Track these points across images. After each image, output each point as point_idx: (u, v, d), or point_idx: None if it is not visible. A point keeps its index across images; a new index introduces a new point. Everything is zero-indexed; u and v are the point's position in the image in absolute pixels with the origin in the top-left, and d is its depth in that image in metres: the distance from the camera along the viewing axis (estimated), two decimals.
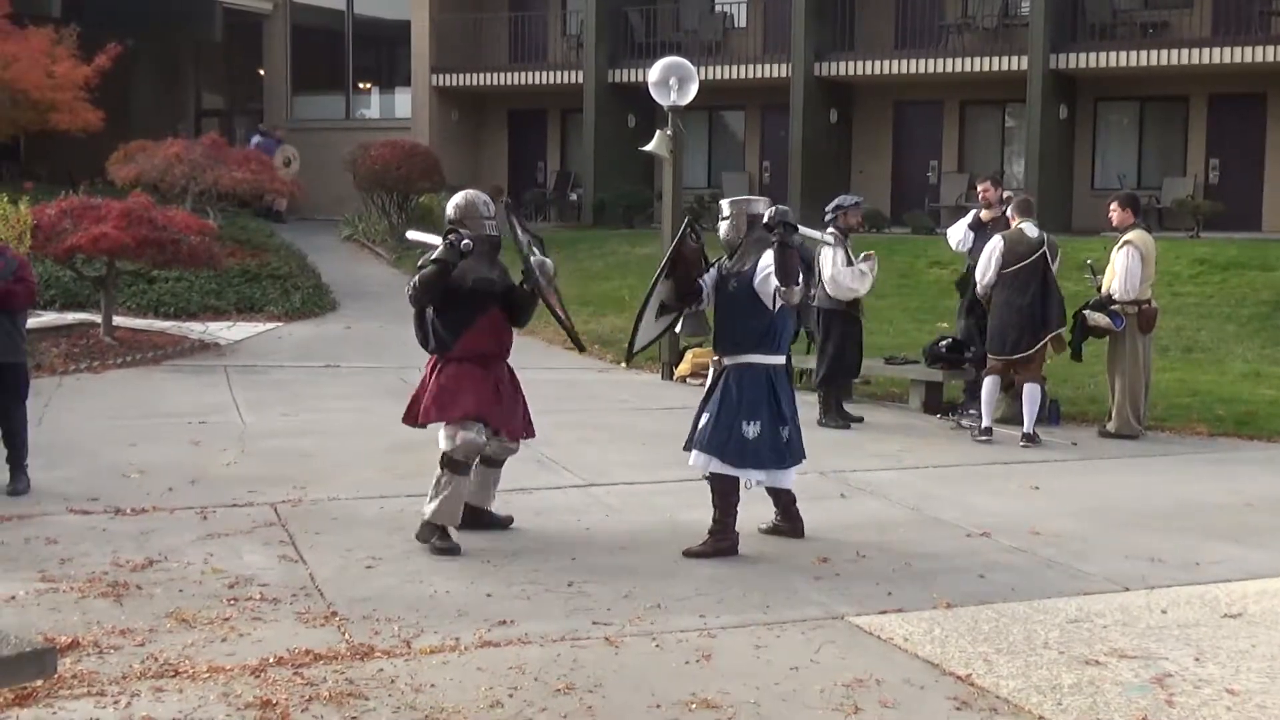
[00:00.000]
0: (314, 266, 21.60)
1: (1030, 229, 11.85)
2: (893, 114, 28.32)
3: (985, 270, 11.89)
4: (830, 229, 12.28)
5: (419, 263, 8.10)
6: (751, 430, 7.91)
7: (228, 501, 8.91)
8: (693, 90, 14.96)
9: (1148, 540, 8.39)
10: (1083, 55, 24.97)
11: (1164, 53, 24.42)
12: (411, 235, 9.27)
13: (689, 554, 7.83)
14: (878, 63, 26.64)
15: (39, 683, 5.27)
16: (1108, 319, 11.99)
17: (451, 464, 7.85)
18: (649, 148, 15.46)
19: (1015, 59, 25.15)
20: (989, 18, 26.69)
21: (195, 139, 24.07)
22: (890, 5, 27.25)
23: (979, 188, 13.33)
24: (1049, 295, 11.78)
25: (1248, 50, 23.67)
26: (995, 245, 11.84)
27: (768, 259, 7.82)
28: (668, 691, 5.63)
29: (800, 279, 7.76)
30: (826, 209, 12.63)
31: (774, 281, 7.73)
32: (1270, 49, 23.53)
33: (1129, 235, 12.04)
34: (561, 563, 7.64)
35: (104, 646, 6.03)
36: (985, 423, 11.75)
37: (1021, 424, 11.68)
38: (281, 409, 12.83)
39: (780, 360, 8.14)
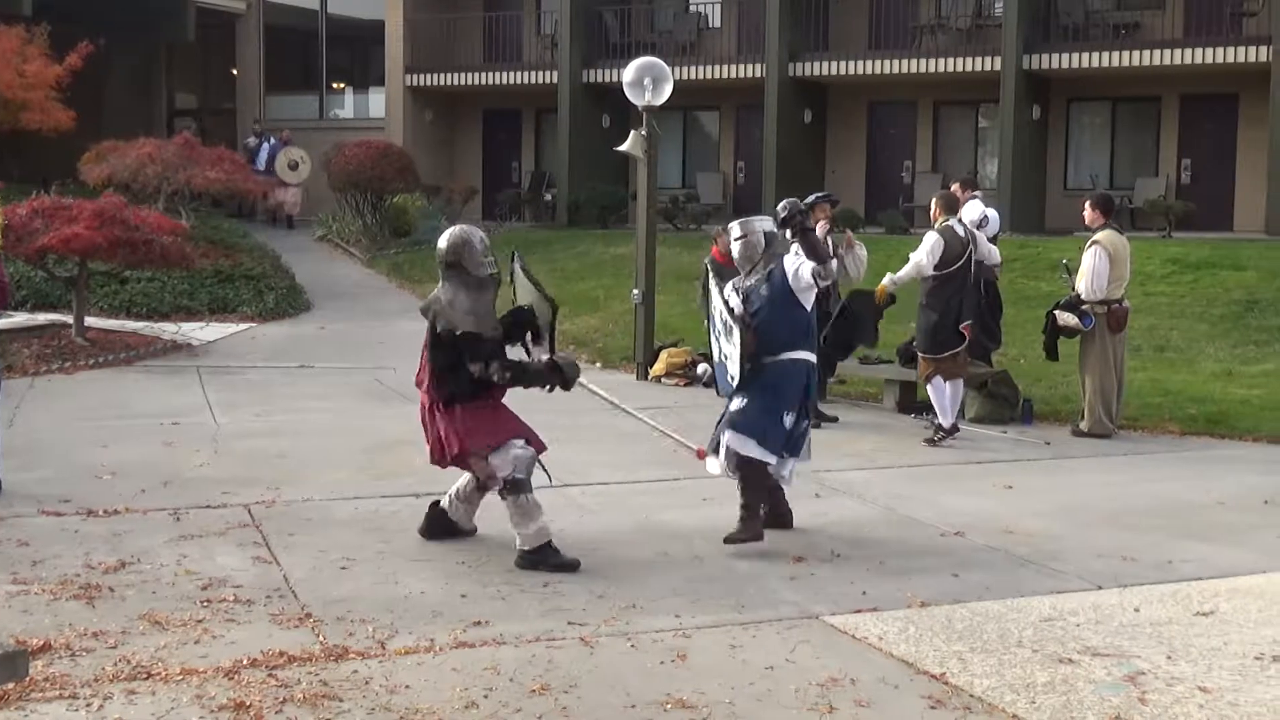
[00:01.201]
0: (288, 267, 21.54)
1: (958, 226, 11.86)
2: (867, 114, 28.38)
3: (926, 261, 11.69)
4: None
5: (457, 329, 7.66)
6: (788, 421, 8.17)
7: (201, 503, 8.87)
8: (667, 90, 14.97)
9: (1120, 539, 8.43)
10: (1055, 56, 25.07)
11: (1136, 53, 24.55)
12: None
13: (730, 540, 7.97)
14: (851, 63, 26.70)
15: (10, 685, 5.24)
16: (1077, 319, 12.03)
17: (515, 485, 7.66)
18: (623, 148, 15.45)
19: (988, 59, 25.24)
20: (962, 18, 26.79)
21: (168, 139, 23.99)
22: (864, 6, 27.30)
23: (951, 189, 13.36)
24: (978, 297, 11.82)
25: (1219, 51, 23.81)
26: (937, 240, 11.76)
27: (793, 259, 8.25)
28: (643, 691, 5.63)
29: (831, 256, 8.28)
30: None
31: (808, 270, 8.09)
32: (1242, 50, 23.68)
33: (1097, 235, 12.08)
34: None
35: (76, 649, 6.00)
36: (949, 421, 11.71)
37: (999, 423, 11.68)
38: (255, 410, 12.78)
39: (813, 357, 8.41)
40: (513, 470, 7.62)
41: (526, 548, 7.58)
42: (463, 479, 8.09)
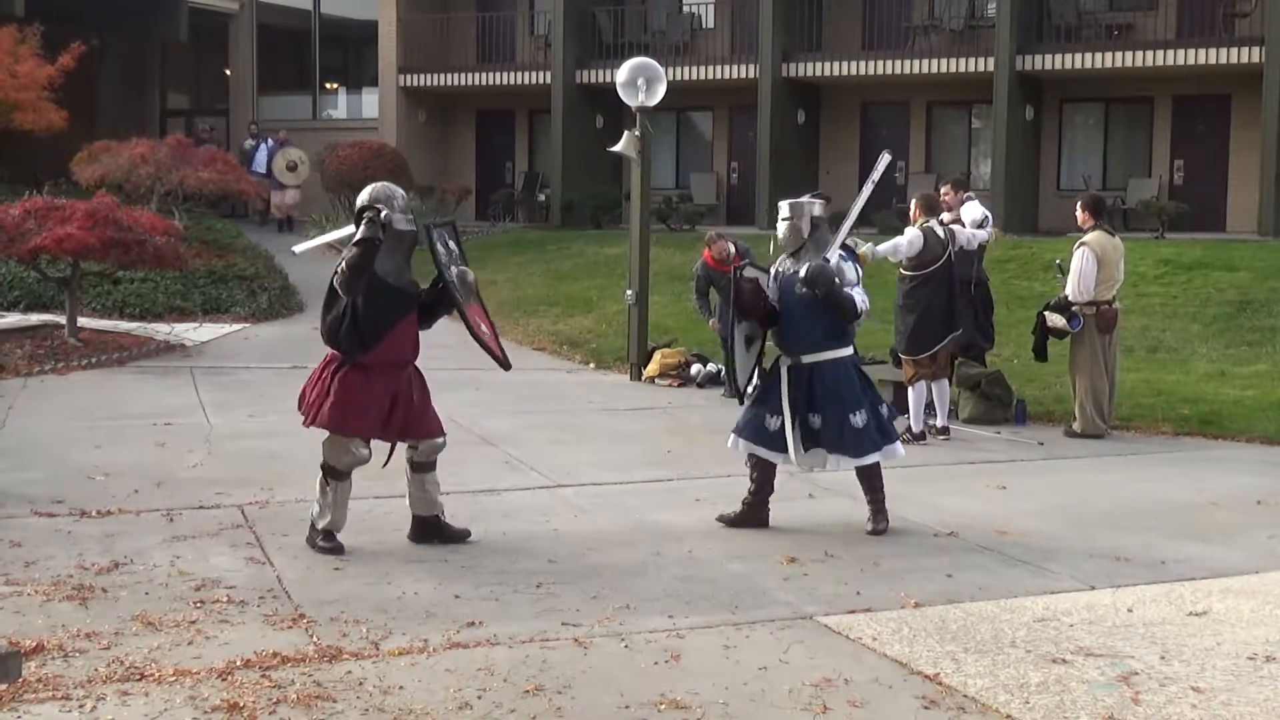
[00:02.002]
0: (281, 267, 21.50)
1: (938, 228, 11.87)
2: (860, 115, 28.40)
3: (905, 248, 11.70)
4: None
5: (343, 254, 7.73)
6: (859, 419, 8.36)
7: (194, 503, 8.86)
8: (661, 91, 14.99)
9: (1114, 539, 8.44)
10: (1048, 57, 25.10)
11: (1129, 54, 24.58)
12: (300, 248, 8.75)
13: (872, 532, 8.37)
14: (845, 64, 26.72)
15: (3, 687, 5.24)
16: (1065, 320, 12.04)
17: (335, 473, 7.76)
18: (617, 148, 15.46)
19: (981, 60, 25.27)
20: (955, 19, 26.81)
21: (160, 139, 23.95)
22: (857, 7, 27.33)
23: (940, 190, 13.38)
24: (955, 297, 11.84)
25: (1212, 52, 23.85)
26: (918, 235, 11.74)
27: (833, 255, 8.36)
28: (636, 692, 5.63)
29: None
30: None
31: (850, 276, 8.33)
32: (1234, 51, 23.72)
33: (1086, 237, 12.09)
34: (530, 564, 7.62)
35: (69, 650, 5.99)
36: (919, 426, 11.75)
37: (992, 424, 11.68)
38: (248, 410, 12.77)
39: (852, 351, 8.54)
40: (341, 465, 7.75)
41: (325, 528, 7.79)
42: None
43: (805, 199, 8.66)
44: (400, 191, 7.90)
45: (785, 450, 8.38)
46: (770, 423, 8.38)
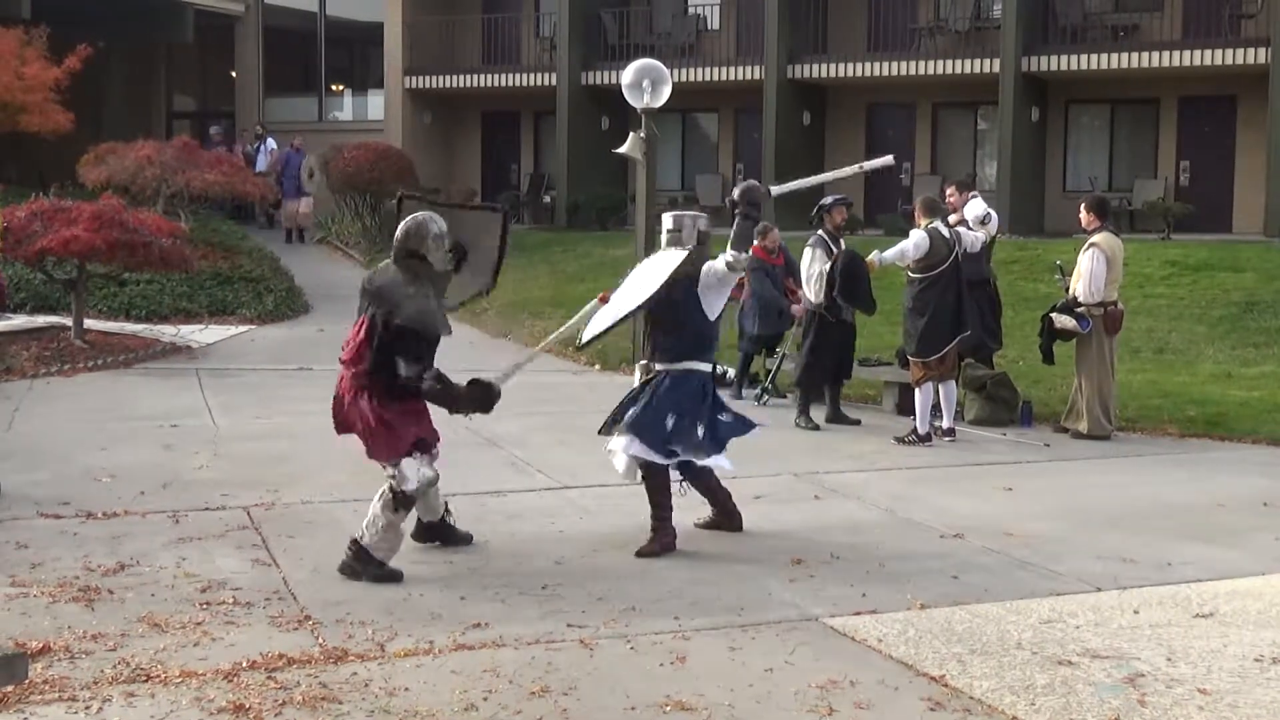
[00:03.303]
0: (286, 269, 21.53)
1: (943, 229, 11.86)
2: (865, 116, 28.39)
3: (912, 252, 11.70)
4: (819, 230, 12.45)
5: (407, 289, 7.33)
6: (671, 422, 7.97)
7: (200, 505, 8.87)
8: (666, 92, 14.98)
9: (1119, 541, 8.43)
10: (1054, 58, 25.08)
11: (1134, 55, 24.56)
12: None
13: (641, 554, 7.87)
14: (850, 65, 26.71)
15: (10, 688, 5.24)
16: (1074, 321, 12.03)
17: (407, 501, 7.44)
18: (622, 150, 15.46)
19: (987, 61, 25.24)
20: (961, 20, 26.80)
21: (166, 141, 23.98)
22: (862, 8, 27.32)
23: (945, 191, 13.39)
24: (963, 297, 11.84)
25: (1218, 53, 23.83)
26: (924, 237, 11.73)
27: (711, 266, 8.01)
28: (642, 694, 5.63)
29: (746, 249, 8.09)
30: (812, 213, 12.75)
31: (722, 261, 7.90)
32: (1240, 51, 23.69)
33: (1094, 238, 12.08)
34: (536, 565, 7.63)
35: (75, 651, 6.00)
36: (925, 428, 11.74)
37: (998, 425, 11.66)
38: (254, 412, 12.78)
39: (710, 368, 8.18)
40: (420, 489, 7.45)
41: (379, 557, 7.33)
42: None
43: (689, 213, 8.36)
44: (440, 223, 7.50)
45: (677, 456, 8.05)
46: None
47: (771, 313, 13.49)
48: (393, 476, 7.39)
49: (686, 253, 7.98)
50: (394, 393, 7.37)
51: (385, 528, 7.36)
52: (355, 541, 7.37)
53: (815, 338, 12.49)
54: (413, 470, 7.38)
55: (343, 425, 7.65)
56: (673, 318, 8.04)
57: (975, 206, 12.98)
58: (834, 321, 12.45)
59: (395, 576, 7.29)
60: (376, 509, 7.40)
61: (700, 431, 8.01)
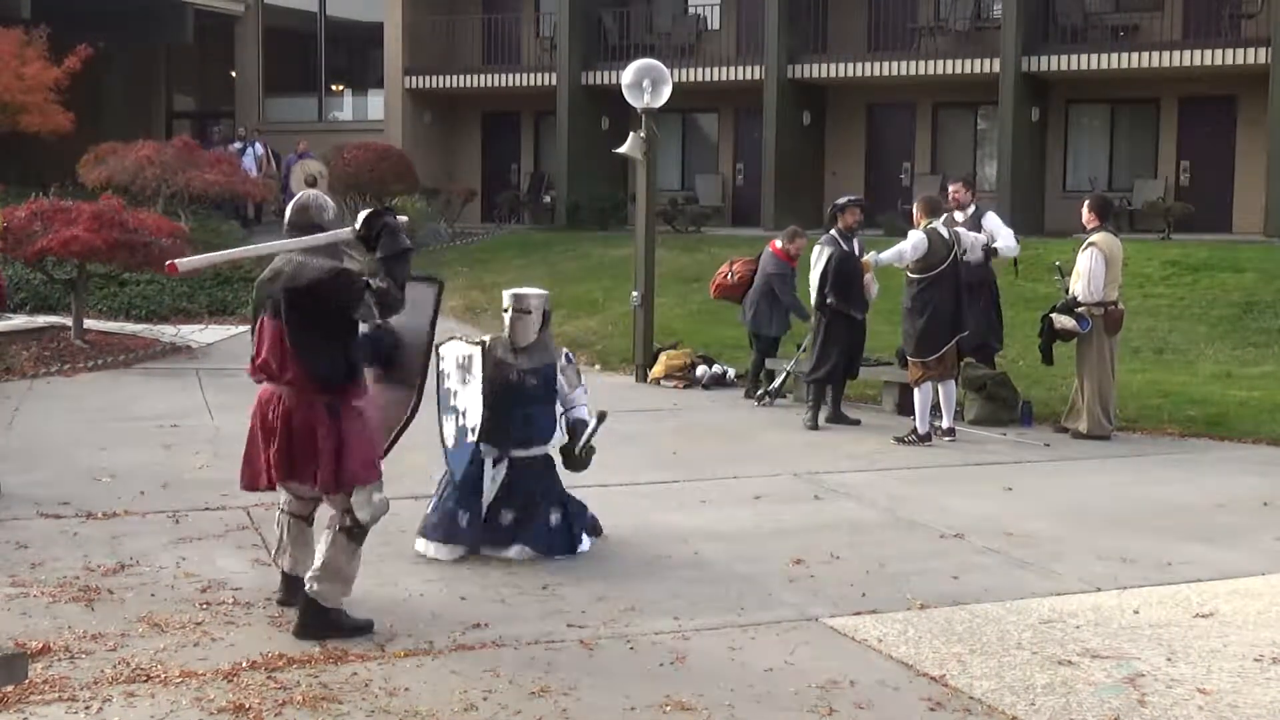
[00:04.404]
0: None
1: (942, 229, 11.87)
2: (865, 116, 28.38)
3: (910, 253, 11.72)
4: (831, 230, 12.51)
5: (329, 268, 6.18)
6: (556, 518, 7.88)
7: (200, 505, 8.87)
8: (666, 92, 14.98)
9: (1119, 541, 8.42)
10: (1054, 58, 25.07)
11: (1135, 55, 24.56)
12: (187, 263, 6.48)
13: None
14: (850, 65, 26.70)
15: (10, 688, 5.24)
16: (1074, 322, 12.03)
17: (362, 535, 6.39)
18: (622, 150, 15.46)
19: (987, 61, 25.23)
20: (961, 20, 26.79)
21: (166, 141, 23.98)
22: (862, 8, 27.31)
23: (950, 189, 13.39)
24: (962, 298, 11.84)
25: (1218, 53, 23.82)
26: (922, 239, 11.73)
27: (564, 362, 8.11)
28: (642, 694, 5.63)
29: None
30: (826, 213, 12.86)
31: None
32: (1240, 52, 23.69)
33: (1093, 238, 12.07)
34: (536, 566, 7.63)
35: (75, 651, 6.00)
36: (925, 427, 11.74)
37: (998, 425, 11.65)
38: None
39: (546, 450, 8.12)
40: (376, 518, 6.43)
41: (327, 604, 6.27)
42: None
43: (533, 291, 8.08)
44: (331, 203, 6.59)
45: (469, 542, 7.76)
46: (461, 518, 7.76)
47: (786, 316, 13.68)
48: (348, 511, 6.29)
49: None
50: (347, 391, 6.27)
51: (344, 570, 6.35)
52: (313, 602, 6.28)
53: (827, 335, 12.45)
54: (376, 495, 6.39)
55: (302, 456, 6.27)
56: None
57: (992, 220, 12.98)
58: (846, 320, 12.43)
59: (367, 628, 6.34)
60: (329, 555, 6.31)
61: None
